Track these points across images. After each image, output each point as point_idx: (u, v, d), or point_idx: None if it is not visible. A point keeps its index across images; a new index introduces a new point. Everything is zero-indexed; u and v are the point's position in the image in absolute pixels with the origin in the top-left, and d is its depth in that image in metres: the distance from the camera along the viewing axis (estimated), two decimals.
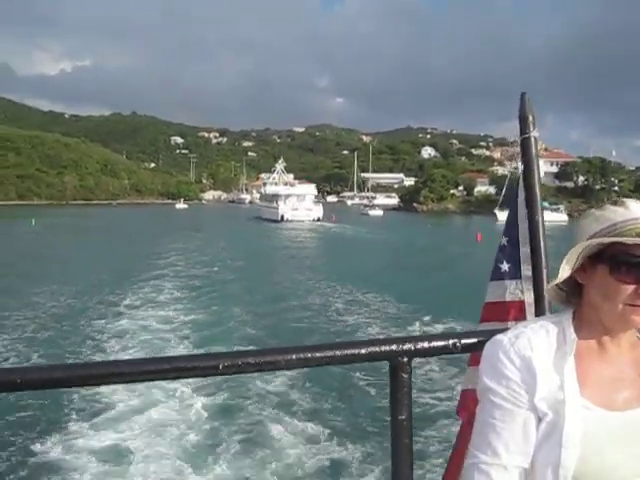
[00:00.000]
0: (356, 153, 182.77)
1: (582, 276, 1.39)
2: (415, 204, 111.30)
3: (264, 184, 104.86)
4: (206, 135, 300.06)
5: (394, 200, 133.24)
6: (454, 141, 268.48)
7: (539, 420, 1.32)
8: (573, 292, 1.44)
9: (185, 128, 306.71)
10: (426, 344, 1.68)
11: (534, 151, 2.15)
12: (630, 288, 1.30)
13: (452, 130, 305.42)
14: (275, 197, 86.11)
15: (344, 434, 10.14)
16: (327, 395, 11.90)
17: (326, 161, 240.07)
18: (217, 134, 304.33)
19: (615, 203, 1.37)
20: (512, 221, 2.24)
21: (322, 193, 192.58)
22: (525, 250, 2.17)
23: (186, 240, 46.34)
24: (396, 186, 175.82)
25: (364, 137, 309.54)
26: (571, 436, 1.28)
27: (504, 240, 2.26)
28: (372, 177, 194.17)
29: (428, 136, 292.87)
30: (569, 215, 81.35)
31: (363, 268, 32.21)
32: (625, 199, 1.38)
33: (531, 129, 2.14)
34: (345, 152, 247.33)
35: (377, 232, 60.65)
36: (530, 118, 2.16)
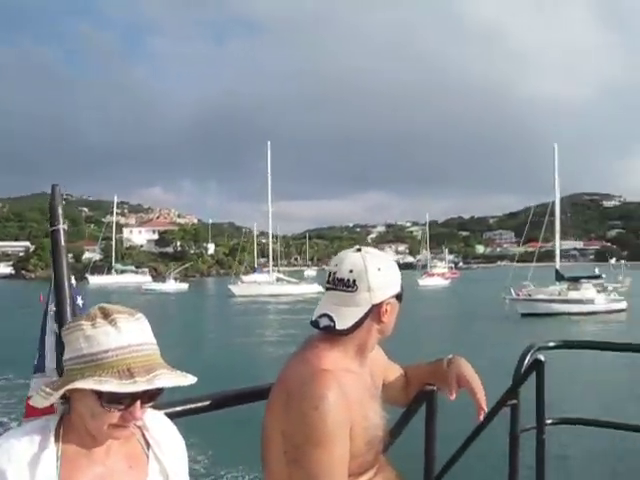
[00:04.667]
0: None
1: (72, 391, 1.38)
2: (24, 271, 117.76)
3: None
4: None
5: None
6: (85, 209, 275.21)
7: None
8: (63, 397, 1.42)
9: None
10: None
11: (63, 243, 2.05)
12: (117, 415, 1.38)
13: (88, 197, 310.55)
14: None
15: None
16: None
17: None
18: None
19: (112, 322, 1.38)
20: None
21: None
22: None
23: None
24: (21, 254, 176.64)
25: None
26: None
27: (55, 328, 2.04)
28: None
29: (63, 202, 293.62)
30: (152, 275, 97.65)
31: None
32: (117, 315, 1.40)
33: (60, 222, 2.05)
34: None
35: None
36: (59, 211, 2.08)
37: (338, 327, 1.83)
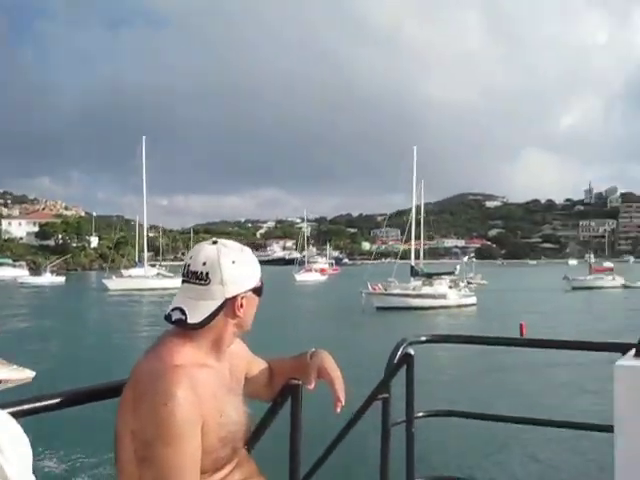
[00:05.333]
0: None
1: None
2: None
3: None
4: None
5: None
6: None
7: None
8: None
9: None
10: None
11: None
12: None
13: None
14: None
15: None
16: None
17: None
18: None
19: None
20: None
21: None
22: None
23: None
24: None
25: None
26: None
27: None
28: None
29: None
30: (31, 269, 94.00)
31: None
32: None
33: None
34: None
35: None
36: None
37: (189, 321, 1.79)
